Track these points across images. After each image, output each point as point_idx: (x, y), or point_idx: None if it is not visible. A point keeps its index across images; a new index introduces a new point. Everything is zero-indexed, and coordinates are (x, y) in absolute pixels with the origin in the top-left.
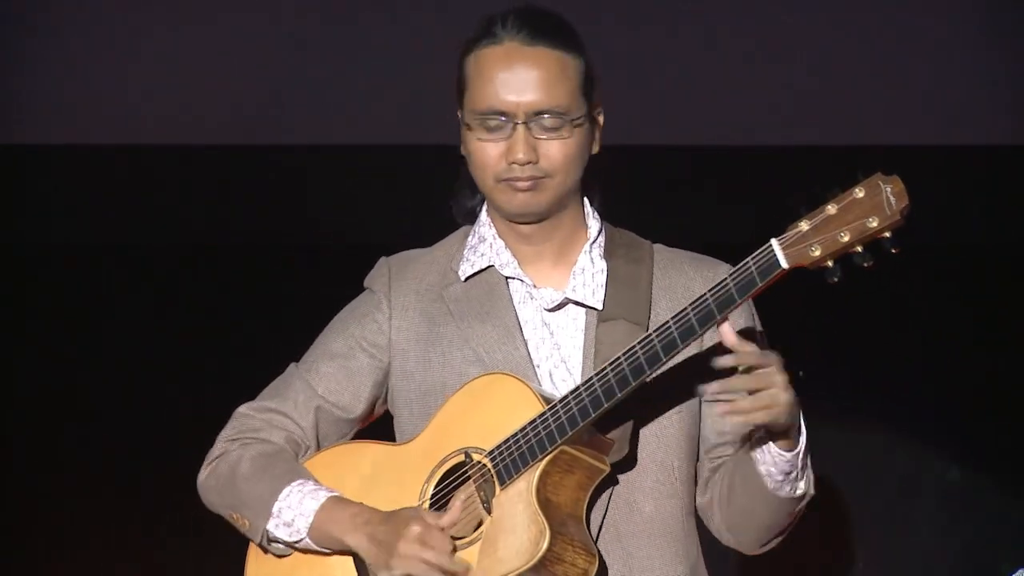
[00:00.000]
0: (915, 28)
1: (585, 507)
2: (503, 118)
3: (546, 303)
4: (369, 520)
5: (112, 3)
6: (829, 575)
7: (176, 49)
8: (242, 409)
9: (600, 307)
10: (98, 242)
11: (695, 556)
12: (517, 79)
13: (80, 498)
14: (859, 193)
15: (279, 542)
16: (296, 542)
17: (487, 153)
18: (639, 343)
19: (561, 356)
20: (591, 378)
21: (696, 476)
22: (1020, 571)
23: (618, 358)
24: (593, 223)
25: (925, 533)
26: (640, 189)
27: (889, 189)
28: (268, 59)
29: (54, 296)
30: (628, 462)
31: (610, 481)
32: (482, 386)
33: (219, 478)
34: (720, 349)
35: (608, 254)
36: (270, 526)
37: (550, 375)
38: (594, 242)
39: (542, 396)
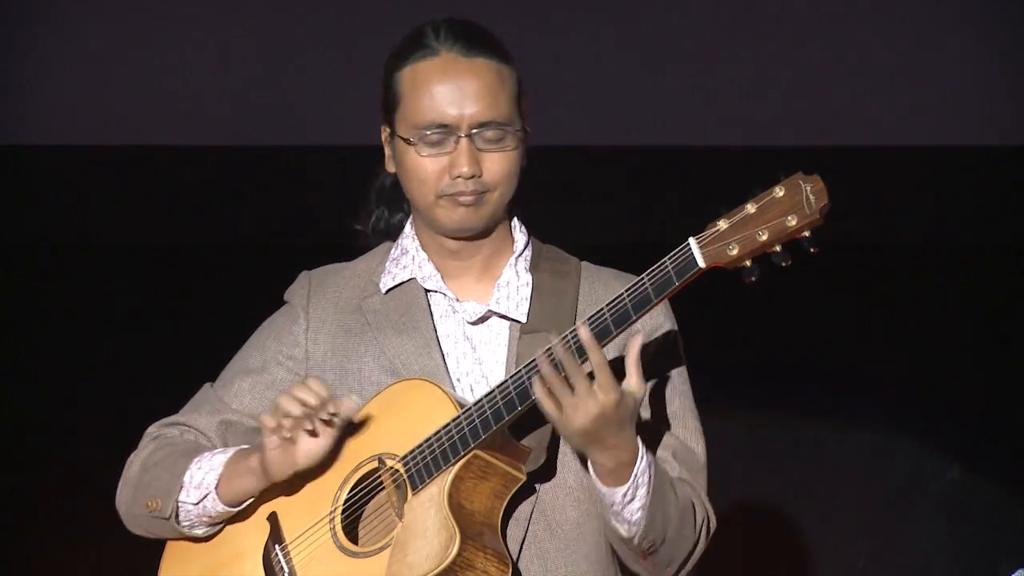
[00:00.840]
0: (914, 28)
1: (500, 516)
2: (445, 131)
3: (468, 316)
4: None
5: (112, 4)
6: (829, 574)
7: (175, 50)
8: (151, 428)
9: (524, 320)
10: (99, 242)
11: (615, 571)
12: (458, 91)
13: (79, 498)
14: (779, 192)
15: (191, 515)
16: (203, 499)
17: (427, 168)
18: (555, 344)
19: (483, 371)
20: (505, 380)
21: None
22: (1019, 571)
23: (533, 360)
24: (520, 236)
25: (924, 533)
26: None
27: (809, 188)
28: (270, 59)
29: (54, 295)
30: (547, 473)
31: (530, 493)
32: (398, 392)
33: (130, 479)
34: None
35: (534, 267)
36: (182, 496)
37: (471, 389)
38: (520, 255)
39: (459, 402)
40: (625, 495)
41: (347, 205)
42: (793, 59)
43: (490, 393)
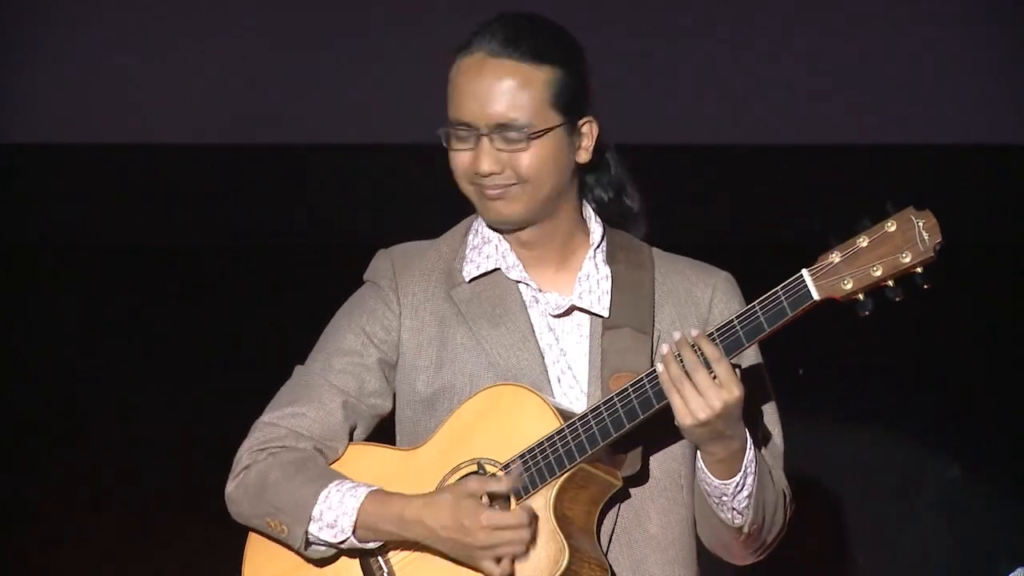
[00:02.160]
0: (914, 28)
1: (596, 520)
2: (468, 129)
3: (552, 308)
4: (420, 507)
5: (111, 3)
6: (828, 574)
7: (175, 49)
8: (264, 419)
9: (606, 314)
10: (97, 242)
11: (699, 564)
12: (479, 91)
13: (78, 498)
14: (891, 227)
15: (321, 544)
16: (341, 542)
17: (458, 161)
18: (678, 340)
19: (567, 362)
20: (612, 398)
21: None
22: (1019, 570)
23: (641, 379)
24: (595, 227)
25: (924, 532)
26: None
27: (922, 224)
28: (269, 59)
29: (54, 295)
30: (637, 473)
31: (619, 492)
32: (496, 396)
33: (248, 488)
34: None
35: (611, 259)
36: (312, 528)
37: (558, 380)
38: (597, 247)
39: (559, 411)
40: (737, 485)
41: (348, 205)
42: (792, 58)
43: (595, 409)
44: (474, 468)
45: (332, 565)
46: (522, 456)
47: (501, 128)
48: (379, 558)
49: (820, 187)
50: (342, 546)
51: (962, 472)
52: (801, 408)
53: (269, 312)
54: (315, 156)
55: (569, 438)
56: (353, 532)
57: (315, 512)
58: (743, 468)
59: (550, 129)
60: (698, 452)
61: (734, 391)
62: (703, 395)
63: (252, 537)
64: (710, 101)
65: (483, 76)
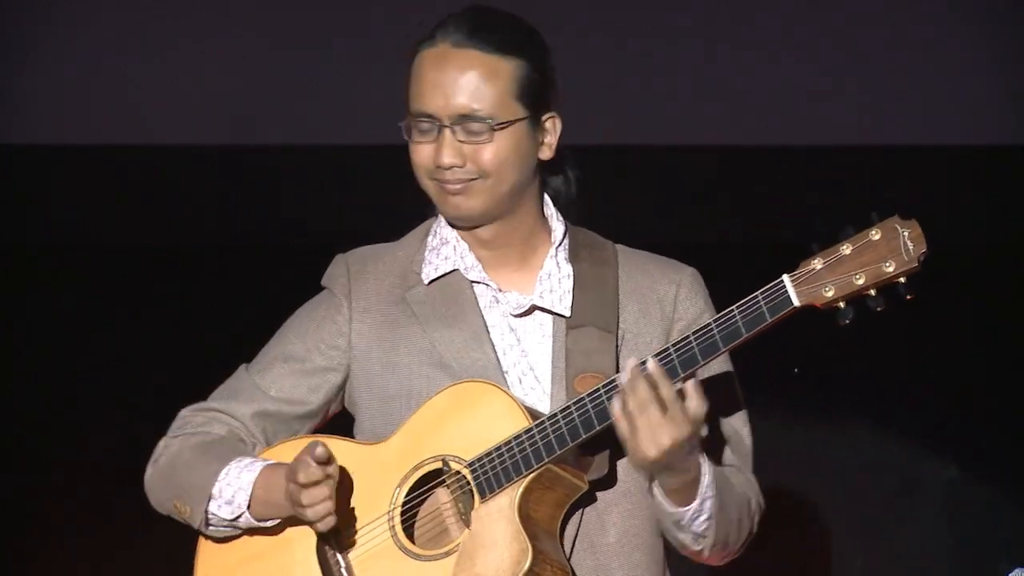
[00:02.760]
0: (913, 28)
1: (560, 523)
2: (430, 121)
3: (512, 308)
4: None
5: (110, 4)
6: (828, 574)
7: (174, 50)
8: (184, 411)
9: (568, 314)
10: (97, 242)
11: (663, 568)
12: (442, 82)
13: (78, 498)
14: (875, 235)
15: (221, 525)
16: (236, 518)
17: (419, 154)
18: (647, 363)
19: (529, 363)
20: (583, 398)
21: None
22: (1017, 570)
23: (612, 380)
24: (557, 225)
25: (924, 532)
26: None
27: (907, 233)
28: (268, 59)
29: (52, 295)
30: (603, 477)
31: (584, 495)
32: (463, 392)
33: (160, 471)
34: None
35: (573, 257)
36: (212, 507)
37: (519, 381)
38: (559, 245)
39: (528, 411)
40: (694, 512)
41: (348, 205)
42: (791, 59)
43: (565, 409)
44: (438, 465)
45: (287, 557)
46: (489, 453)
47: (464, 119)
48: (336, 553)
49: (820, 187)
50: (238, 523)
51: (961, 472)
52: (801, 408)
53: (269, 312)
54: (316, 156)
55: (537, 437)
56: (248, 507)
57: (215, 489)
58: (699, 496)
59: (514, 122)
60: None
61: (684, 429)
62: (653, 432)
63: (201, 541)
64: (709, 101)
65: (446, 67)
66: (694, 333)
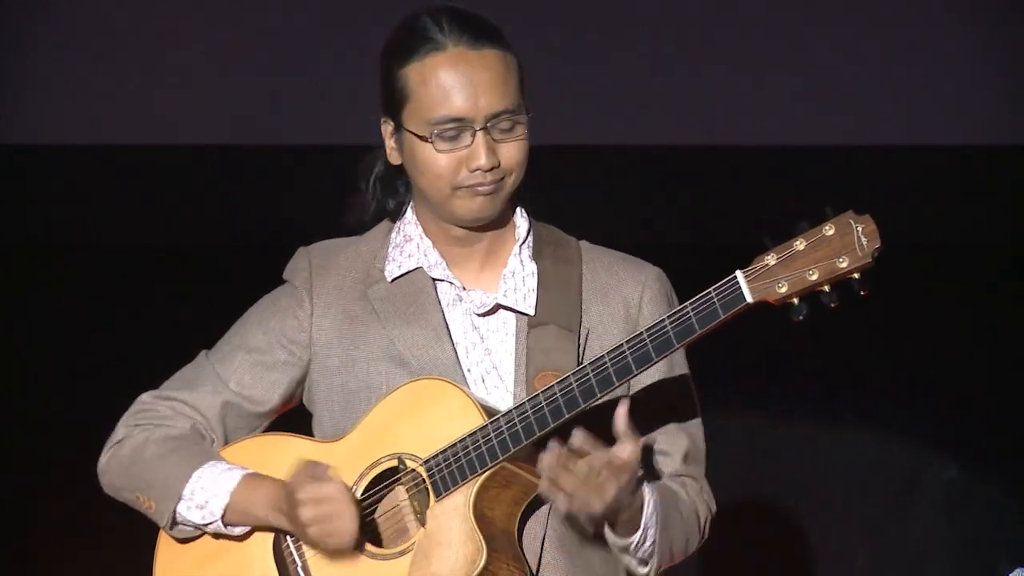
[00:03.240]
0: (914, 28)
1: (517, 521)
2: (460, 125)
3: (476, 307)
4: (285, 495)
5: (111, 4)
6: (828, 574)
7: (175, 49)
8: (144, 397)
9: (532, 312)
10: (97, 242)
11: None
12: (470, 84)
13: (79, 498)
14: (829, 231)
15: (187, 525)
16: (207, 524)
17: (444, 163)
18: (591, 365)
19: (492, 362)
20: (537, 395)
21: None
22: (1018, 570)
23: (567, 377)
24: (522, 222)
25: (924, 532)
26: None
27: (861, 229)
28: (270, 59)
29: (54, 295)
30: None
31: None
32: (418, 390)
33: (121, 460)
34: (657, 387)
35: (537, 255)
36: (180, 508)
37: (482, 380)
38: (523, 243)
39: (483, 408)
40: (637, 541)
41: (339, 204)
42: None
43: (520, 406)
44: (394, 463)
45: (244, 555)
46: (444, 451)
47: (496, 118)
48: (293, 551)
49: (815, 188)
50: (207, 528)
51: (960, 472)
52: (801, 408)
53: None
54: (315, 156)
55: (492, 435)
56: (222, 516)
57: (186, 491)
58: (642, 526)
59: (529, 116)
60: None
61: (623, 477)
62: (596, 495)
63: (162, 537)
64: (717, 103)
65: (470, 68)
66: (647, 330)
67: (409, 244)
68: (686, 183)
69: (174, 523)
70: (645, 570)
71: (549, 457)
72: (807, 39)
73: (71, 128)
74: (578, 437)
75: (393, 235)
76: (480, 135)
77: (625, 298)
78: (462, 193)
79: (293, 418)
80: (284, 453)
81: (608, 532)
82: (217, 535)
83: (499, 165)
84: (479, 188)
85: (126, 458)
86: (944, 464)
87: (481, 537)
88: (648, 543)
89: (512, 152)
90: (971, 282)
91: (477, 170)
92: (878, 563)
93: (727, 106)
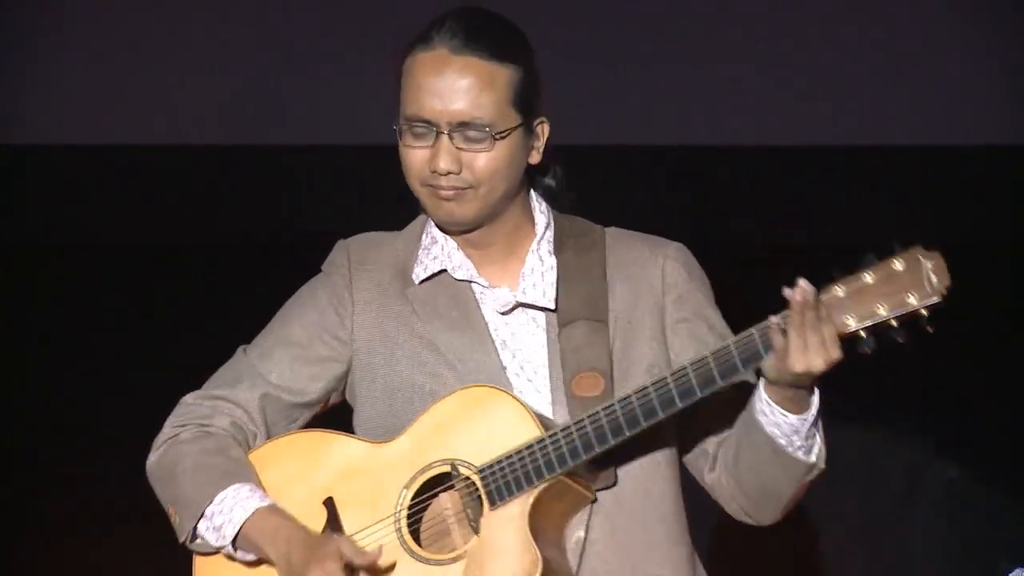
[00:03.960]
0: (917, 27)
1: (564, 531)
2: (427, 126)
3: (499, 305)
4: (289, 539)
5: (108, 4)
6: (829, 574)
7: (172, 49)
8: (187, 398)
9: (553, 307)
10: (97, 242)
11: (691, 552)
12: (441, 88)
13: (79, 497)
14: (897, 266)
15: (206, 543)
16: (220, 548)
17: (413, 158)
18: (652, 385)
19: (520, 361)
20: (597, 411)
21: (677, 498)
22: (1017, 570)
23: (628, 396)
24: (540, 218)
25: (923, 532)
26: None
27: (930, 266)
28: (268, 60)
29: (54, 295)
30: (608, 485)
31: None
32: (473, 397)
33: (163, 469)
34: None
35: (558, 248)
36: (200, 527)
37: (516, 376)
38: (541, 239)
39: (540, 420)
40: (812, 418)
41: (347, 205)
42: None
43: (579, 421)
44: (447, 469)
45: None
46: (500, 461)
47: (463, 127)
48: None
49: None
50: (221, 551)
51: (960, 473)
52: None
53: (267, 311)
54: (315, 156)
55: (550, 448)
56: (233, 541)
57: (208, 511)
58: (812, 400)
59: (511, 130)
60: (761, 396)
61: (832, 359)
62: (827, 349)
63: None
64: (720, 103)
65: (445, 73)
66: (713, 353)
67: (435, 246)
68: None
69: (193, 538)
70: (814, 456)
71: (798, 303)
72: (806, 37)
73: (71, 128)
74: (810, 291)
75: (423, 237)
76: (443, 139)
77: (648, 275)
78: (427, 192)
79: (333, 412)
80: (332, 452)
81: (782, 414)
82: (231, 557)
83: (459, 172)
84: (439, 192)
85: (167, 467)
86: (944, 464)
87: (536, 548)
88: (818, 423)
89: (478, 163)
90: (971, 282)
91: (435, 172)
92: (878, 563)
93: (722, 105)
